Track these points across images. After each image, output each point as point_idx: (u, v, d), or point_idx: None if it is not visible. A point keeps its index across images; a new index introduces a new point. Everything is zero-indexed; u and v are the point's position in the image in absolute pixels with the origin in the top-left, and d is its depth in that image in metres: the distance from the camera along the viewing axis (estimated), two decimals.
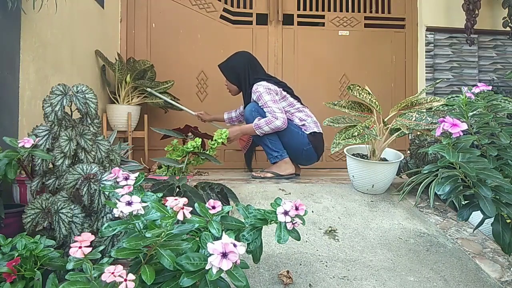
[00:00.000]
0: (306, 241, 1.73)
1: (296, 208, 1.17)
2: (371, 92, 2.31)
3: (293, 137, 2.62)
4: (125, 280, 0.91)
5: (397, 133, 2.24)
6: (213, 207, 1.18)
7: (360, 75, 3.59)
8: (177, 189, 1.76)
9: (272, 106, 2.55)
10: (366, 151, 2.34)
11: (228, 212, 1.20)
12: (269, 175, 2.62)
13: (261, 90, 2.60)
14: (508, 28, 3.41)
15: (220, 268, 0.91)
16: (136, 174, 1.28)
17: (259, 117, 2.59)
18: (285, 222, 1.16)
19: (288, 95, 2.70)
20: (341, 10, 3.66)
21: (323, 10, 3.63)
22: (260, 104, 2.61)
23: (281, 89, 2.68)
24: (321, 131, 2.69)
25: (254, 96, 2.64)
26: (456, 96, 1.80)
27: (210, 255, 0.92)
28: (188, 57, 3.43)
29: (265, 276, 1.45)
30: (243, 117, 2.83)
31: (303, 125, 2.67)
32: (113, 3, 3.22)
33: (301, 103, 2.77)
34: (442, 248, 1.75)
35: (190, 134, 2.74)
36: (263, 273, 1.47)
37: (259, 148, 2.92)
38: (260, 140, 2.65)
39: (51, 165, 1.55)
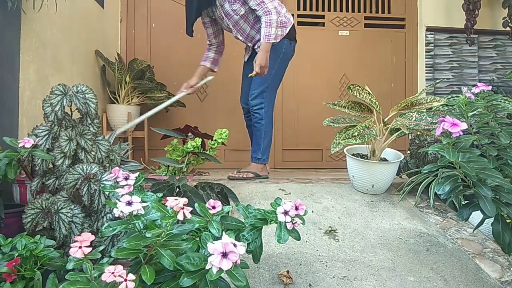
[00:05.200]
0: (306, 241, 1.73)
1: (296, 208, 1.17)
2: (371, 92, 2.31)
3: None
4: (125, 280, 0.91)
5: (397, 133, 2.24)
6: (213, 207, 1.18)
7: (360, 75, 3.59)
8: (177, 189, 1.76)
9: None
10: (366, 151, 2.34)
11: (228, 212, 1.20)
12: (250, 175, 2.55)
13: None
14: (508, 28, 3.41)
15: (220, 268, 0.91)
16: (136, 174, 1.28)
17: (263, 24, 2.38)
18: (285, 222, 1.16)
19: None
20: (341, 10, 3.66)
21: (323, 10, 3.63)
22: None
23: None
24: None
25: None
26: (456, 96, 1.80)
27: (210, 255, 0.92)
28: (188, 57, 3.43)
29: (265, 276, 1.45)
30: (220, 48, 2.71)
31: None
32: (113, 3, 3.22)
33: None
34: (442, 248, 1.75)
35: (190, 134, 2.74)
36: (263, 273, 1.47)
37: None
38: (259, 134, 2.56)
39: (51, 165, 1.55)
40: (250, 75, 2.46)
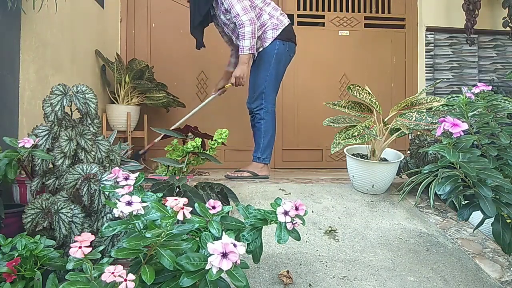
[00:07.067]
0: (306, 241, 1.73)
1: (296, 208, 1.17)
2: (371, 92, 2.31)
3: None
4: (125, 280, 0.91)
5: (397, 133, 2.24)
6: (213, 207, 1.18)
7: (360, 75, 3.59)
8: (177, 189, 1.76)
9: (236, 7, 2.43)
10: (366, 151, 2.34)
11: (228, 212, 1.20)
12: (246, 174, 2.57)
13: None
14: (508, 28, 3.41)
15: (220, 268, 0.91)
16: (136, 174, 1.28)
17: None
18: (285, 222, 1.16)
19: None
20: (341, 10, 3.66)
21: (323, 10, 3.63)
22: (227, 8, 2.47)
23: None
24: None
25: (225, 5, 2.48)
26: (456, 96, 1.80)
27: (210, 255, 0.92)
28: (188, 57, 3.43)
29: (265, 276, 1.45)
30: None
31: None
32: (113, 3, 3.22)
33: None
34: (442, 248, 1.75)
35: (190, 134, 2.74)
36: (263, 273, 1.47)
37: None
38: (259, 134, 2.60)
39: (51, 165, 1.55)
40: (226, 85, 2.65)
